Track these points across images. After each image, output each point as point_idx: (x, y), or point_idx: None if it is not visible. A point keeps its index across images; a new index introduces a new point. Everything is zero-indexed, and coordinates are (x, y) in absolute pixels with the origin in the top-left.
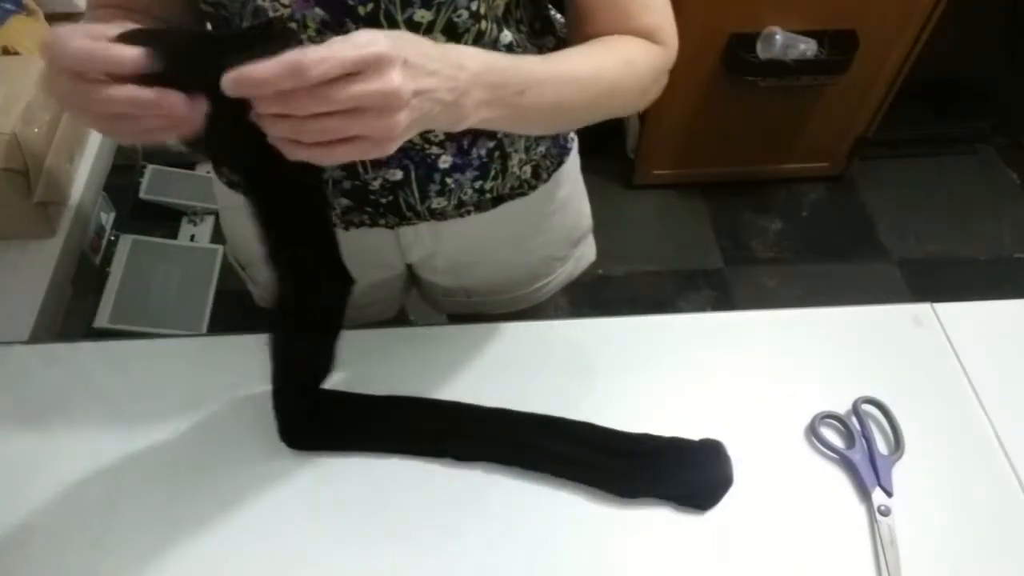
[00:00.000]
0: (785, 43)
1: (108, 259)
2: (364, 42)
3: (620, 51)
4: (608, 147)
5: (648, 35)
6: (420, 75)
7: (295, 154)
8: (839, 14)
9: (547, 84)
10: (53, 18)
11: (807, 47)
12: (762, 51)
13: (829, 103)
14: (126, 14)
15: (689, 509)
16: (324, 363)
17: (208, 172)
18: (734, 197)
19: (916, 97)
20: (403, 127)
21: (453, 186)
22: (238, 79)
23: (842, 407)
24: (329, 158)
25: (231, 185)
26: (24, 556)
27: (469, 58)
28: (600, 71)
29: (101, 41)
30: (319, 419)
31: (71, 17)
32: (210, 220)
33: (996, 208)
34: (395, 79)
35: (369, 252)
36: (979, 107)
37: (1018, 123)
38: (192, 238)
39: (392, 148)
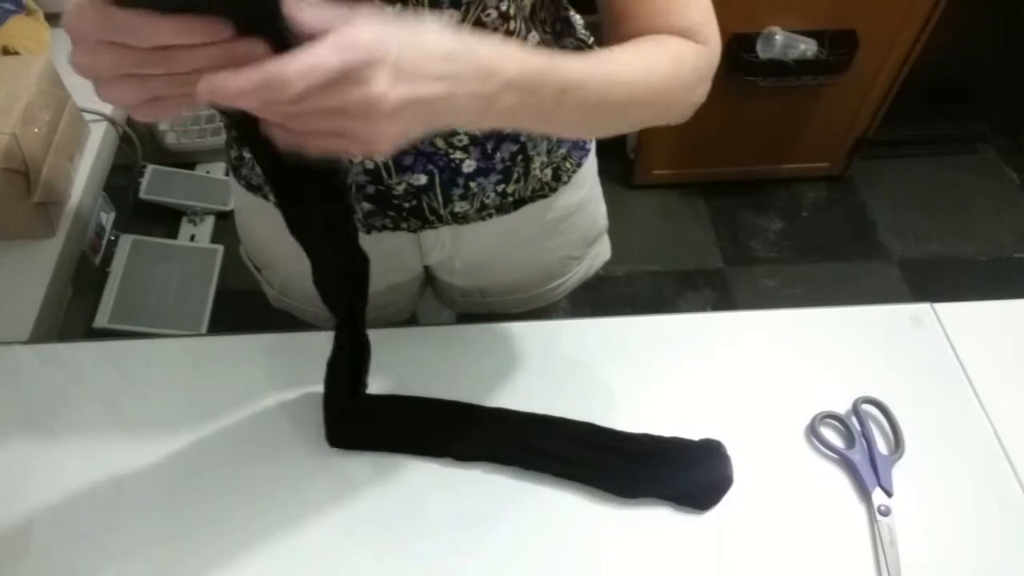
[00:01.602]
0: (785, 43)
1: (108, 259)
2: (348, 43)
3: (668, 47)
4: (608, 147)
5: (690, 32)
6: (418, 81)
7: (283, 140)
8: (839, 14)
9: (590, 85)
10: (53, 18)
11: (807, 47)
12: (762, 51)
13: (829, 103)
14: None
15: (689, 509)
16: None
17: (208, 172)
18: (734, 197)
19: (916, 97)
20: (390, 135)
21: (476, 190)
22: (212, 90)
23: (842, 407)
24: (317, 148)
25: (249, 188)
26: (24, 556)
27: (503, 61)
28: (652, 67)
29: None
30: (355, 420)
31: None
32: (210, 220)
33: (996, 208)
34: (377, 86)
35: (390, 255)
36: (979, 107)
37: (1018, 123)
38: (192, 238)
39: (384, 151)
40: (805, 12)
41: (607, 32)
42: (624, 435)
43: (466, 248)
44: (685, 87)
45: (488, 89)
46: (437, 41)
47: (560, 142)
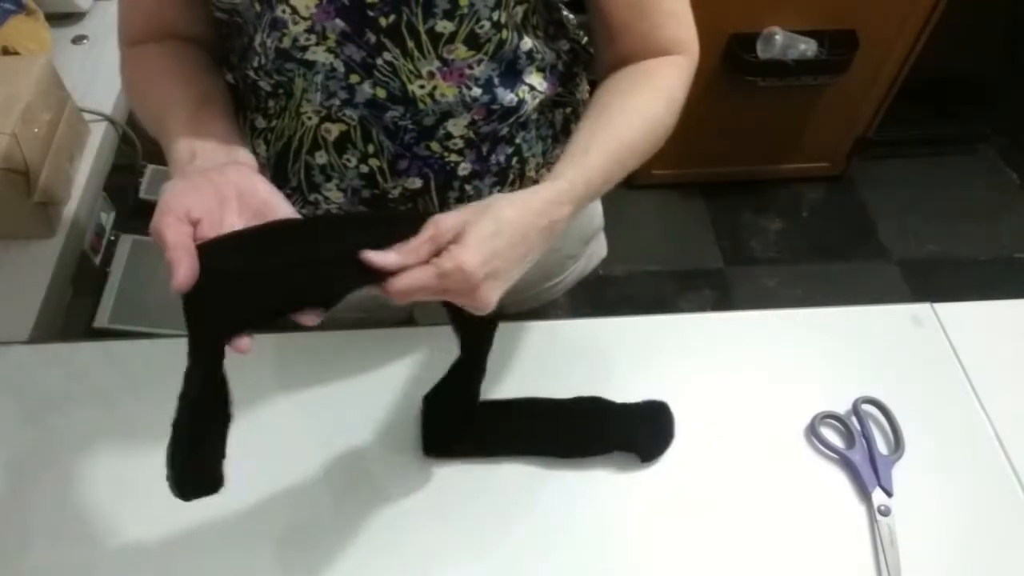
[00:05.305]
0: (785, 43)
1: (108, 259)
2: (451, 270)
3: (663, 90)
4: None
5: (674, 44)
6: (502, 269)
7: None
8: (839, 14)
9: (613, 171)
10: (53, 18)
11: (807, 47)
12: (762, 51)
13: (829, 103)
14: (171, 44)
15: (645, 465)
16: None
17: None
18: (734, 197)
19: (916, 97)
20: (491, 299)
21: (472, 193)
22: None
23: (842, 407)
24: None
25: None
26: (23, 556)
27: (558, 207)
28: (654, 122)
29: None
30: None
31: (71, 17)
32: None
33: (996, 208)
34: (474, 280)
35: None
36: (979, 107)
37: (1018, 123)
38: None
39: (490, 307)
40: (805, 12)
41: (600, 47)
42: (567, 401)
43: None
44: (676, 115)
45: (551, 235)
46: (525, 234)
47: (555, 144)
